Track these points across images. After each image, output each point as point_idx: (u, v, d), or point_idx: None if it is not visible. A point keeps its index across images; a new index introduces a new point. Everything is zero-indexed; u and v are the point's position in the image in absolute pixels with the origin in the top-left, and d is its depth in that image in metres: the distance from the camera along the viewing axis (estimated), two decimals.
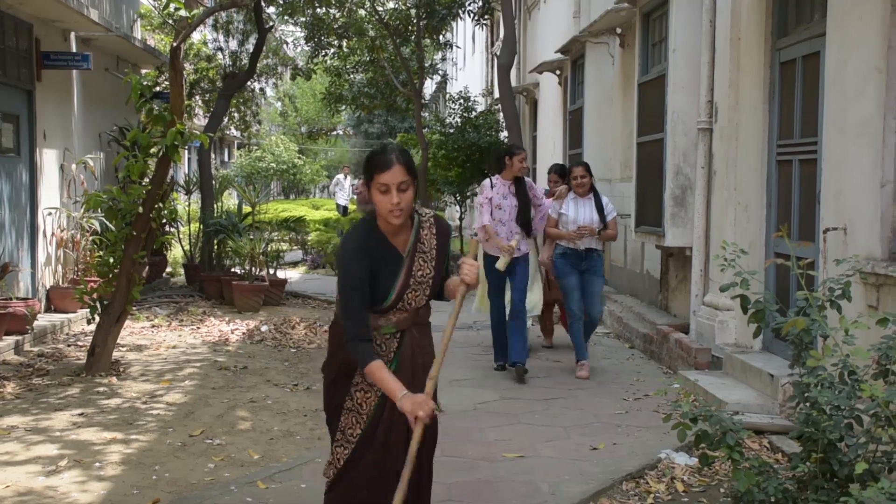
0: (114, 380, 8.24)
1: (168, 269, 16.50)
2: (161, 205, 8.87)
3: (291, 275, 17.34)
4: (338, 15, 19.31)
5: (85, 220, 11.78)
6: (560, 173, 9.76)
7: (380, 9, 19.45)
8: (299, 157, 41.36)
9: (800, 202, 7.25)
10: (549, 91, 17.37)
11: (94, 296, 8.72)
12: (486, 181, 8.61)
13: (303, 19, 19.43)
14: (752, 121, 7.88)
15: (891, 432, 3.58)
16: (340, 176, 29.73)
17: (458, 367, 8.93)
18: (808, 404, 3.92)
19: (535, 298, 9.37)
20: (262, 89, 22.39)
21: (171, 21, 14.19)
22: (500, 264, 7.34)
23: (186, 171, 23.20)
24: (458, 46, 28.17)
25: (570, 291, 8.58)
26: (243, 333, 10.77)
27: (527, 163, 9.49)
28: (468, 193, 18.45)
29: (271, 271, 13.66)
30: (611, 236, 8.79)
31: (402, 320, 3.75)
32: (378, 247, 3.66)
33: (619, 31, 12.41)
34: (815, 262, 6.41)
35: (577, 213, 8.53)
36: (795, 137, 7.33)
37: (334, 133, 48.63)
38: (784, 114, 7.56)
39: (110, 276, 8.68)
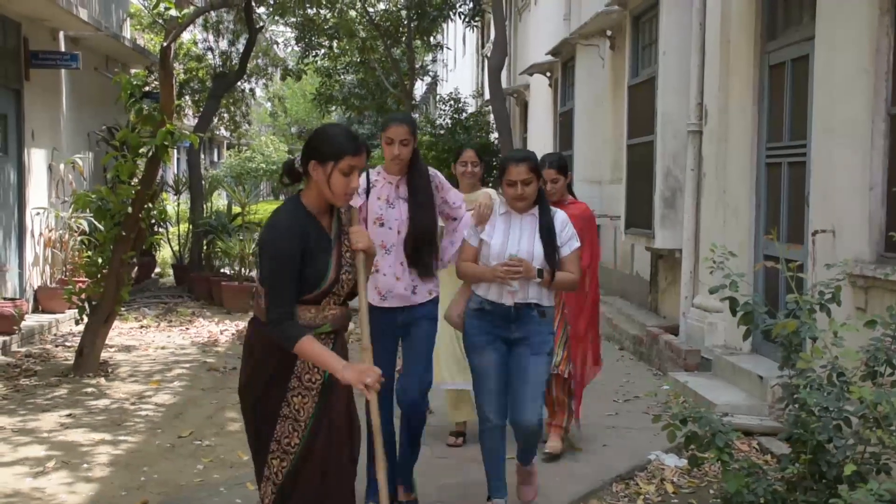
0: (102, 381, 8.20)
1: (157, 270, 16.47)
2: (150, 205, 8.85)
3: None
4: (328, 16, 19.28)
5: (73, 220, 11.73)
6: (560, 167, 5.96)
7: (371, 10, 19.42)
8: (289, 158, 41.30)
9: (789, 204, 7.27)
10: (540, 93, 17.39)
11: (83, 296, 8.69)
12: (360, 175, 4.53)
13: (293, 20, 19.40)
14: (741, 123, 7.90)
15: (879, 434, 3.59)
16: None
17: None
18: (797, 406, 3.94)
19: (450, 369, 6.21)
20: (252, 90, 22.33)
21: (161, 21, 14.14)
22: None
23: (176, 172, 23.14)
24: (448, 48, 28.18)
25: (483, 378, 4.84)
26: (232, 334, 10.73)
27: (477, 168, 6.18)
28: None
29: None
30: (565, 283, 4.84)
31: (336, 317, 3.65)
32: (309, 225, 3.58)
33: (609, 33, 12.43)
34: (804, 264, 6.43)
35: (506, 239, 4.81)
36: (784, 140, 7.35)
37: None
38: (773, 116, 7.59)
39: (99, 276, 8.65)
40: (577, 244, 4.86)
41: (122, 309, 9.73)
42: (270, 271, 3.50)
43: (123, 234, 8.51)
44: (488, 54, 15.89)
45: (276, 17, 19.22)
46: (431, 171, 4.99)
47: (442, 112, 19.01)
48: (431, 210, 4.88)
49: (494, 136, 17.08)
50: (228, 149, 42.53)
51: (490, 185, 7.95)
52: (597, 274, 6.31)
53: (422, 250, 4.82)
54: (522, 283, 4.71)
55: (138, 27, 18.59)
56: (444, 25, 22.44)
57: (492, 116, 16.35)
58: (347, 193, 3.58)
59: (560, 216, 4.88)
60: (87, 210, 9.51)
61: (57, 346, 9.92)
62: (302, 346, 3.44)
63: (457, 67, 32.26)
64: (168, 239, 15.84)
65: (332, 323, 3.64)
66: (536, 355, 4.75)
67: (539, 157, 5.16)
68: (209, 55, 18.73)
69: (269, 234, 3.56)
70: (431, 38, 21.24)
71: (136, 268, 8.65)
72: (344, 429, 3.65)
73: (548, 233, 4.77)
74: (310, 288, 3.55)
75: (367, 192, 4.87)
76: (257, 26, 16.52)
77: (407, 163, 4.85)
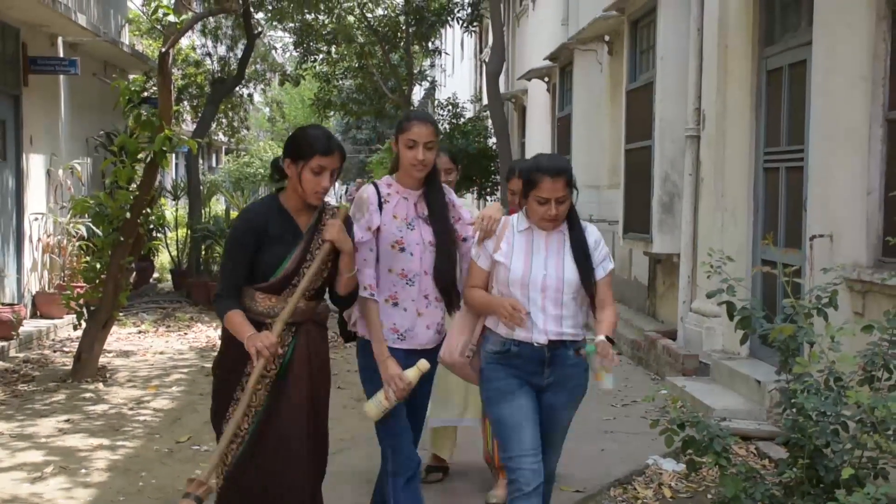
0: (100, 386, 8.20)
1: (155, 275, 16.45)
2: (149, 210, 8.86)
3: None
4: (327, 21, 19.32)
5: (71, 225, 11.73)
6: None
7: (369, 15, 19.46)
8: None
9: (786, 209, 7.28)
10: (538, 98, 17.40)
11: (81, 301, 8.69)
12: (368, 188, 4.17)
13: (291, 25, 19.44)
14: (739, 128, 7.91)
15: (876, 438, 3.59)
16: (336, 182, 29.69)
17: None
18: (794, 410, 3.94)
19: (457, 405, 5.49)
20: (250, 95, 22.34)
21: (159, 26, 14.17)
22: (407, 377, 3.92)
23: (174, 177, 23.15)
24: (446, 53, 28.21)
25: (517, 431, 3.88)
26: None
27: (452, 175, 5.35)
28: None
29: None
30: (606, 323, 3.91)
31: (298, 310, 3.71)
32: (278, 219, 3.73)
33: (607, 38, 12.45)
34: (802, 269, 6.43)
35: (529, 260, 3.91)
36: (782, 145, 7.36)
37: None
38: (771, 121, 7.60)
39: (97, 281, 8.64)
40: (612, 265, 4.01)
41: (121, 314, 9.73)
42: (225, 252, 3.81)
43: (122, 239, 8.51)
44: (486, 59, 15.92)
45: (275, 23, 19.26)
46: (444, 185, 4.31)
47: (440, 117, 19.04)
48: (452, 230, 4.16)
49: (492, 141, 17.09)
50: (227, 154, 42.50)
51: (487, 192, 7.82)
52: None
53: (449, 277, 4.10)
54: (555, 311, 3.84)
55: (137, 33, 18.61)
56: (443, 31, 22.48)
57: (490, 121, 16.37)
58: (317, 192, 3.70)
59: (592, 231, 4.00)
60: (86, 215, 9.52)
61: (55, 351, 9.91)
62: (228, 317, 3.65)
63: (455, 72, 32.32)
64: (166, 244, 15.83)
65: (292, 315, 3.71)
66: (571, 402, 4.01)
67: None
68: (207, 60, 18.76)
69: (234, 221, 3.86)
70: (429, 44, 21.29)
71: (135, 273, 8.66)
72: (299, 424, 3.70)
73: (582, 252, 3.89)
74: (264, 276, 3.70)
75: (380, 207, 4.02)
76: (256, 32, 16.54)
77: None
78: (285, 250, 3.70)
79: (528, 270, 3.86)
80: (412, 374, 3.88)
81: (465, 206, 4.46)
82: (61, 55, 12.29)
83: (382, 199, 4.04)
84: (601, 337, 3.79)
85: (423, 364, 3.92)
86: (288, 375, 3.69)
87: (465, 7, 19.30)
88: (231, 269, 3.73)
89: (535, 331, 3.82)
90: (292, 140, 3.77)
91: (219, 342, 4.02)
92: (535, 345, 3.83)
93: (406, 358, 3.96)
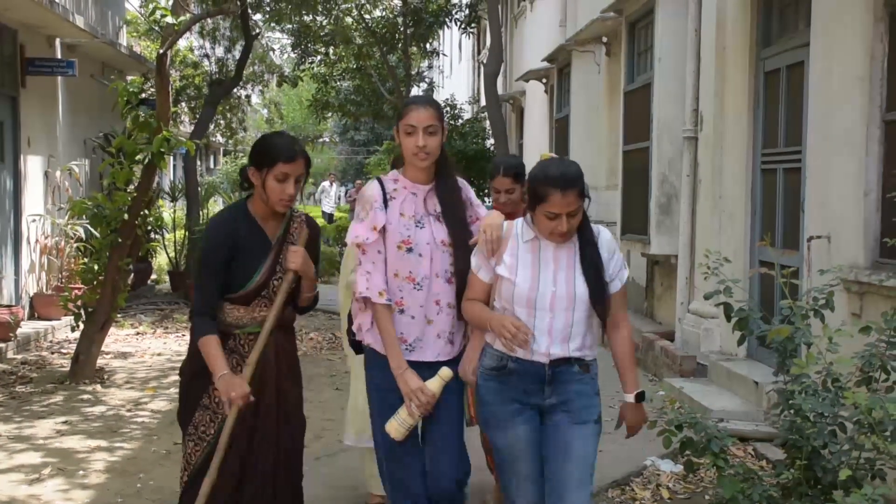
0: (98, 387, 8.20)
1: (153, 277, 16.44)
2: (146, 212, 8.86)
3: None
4: (325, 22, 19.31)
5: (69, 227, 11.72)
6: (517, 174, 4.71)
7: (367, 17, 19.46)
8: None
9: (784, 210, 7.29)
10: (536, 99, 17.41)
11: (79, 303, 8.68)
12: (372, 184, 3.82)
13: (289, 26, 19.44)
14: (737, 129, 7.92)
15: (874, 439, 3.59)
16: (326, 183, 29.72)
17: None
18: (792, 411, 3.94)
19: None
20: (248, 96, 22.36)
21: (157, 28, 14.17)
22: (430, 388, 3.64)
23: (172, 178, 23.15)
24: (444, 54, 28.21)
25: (512, 462, 3.62)
26: None
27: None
28: None
29: None
30: (622, 343, 3.70)
31: (265, 319, 3.70)
32: (247, 229, 3.70)
33: (605, 39, 12.45)
34: (800, 270, 6.44)
35: (536, 275, 3.51)
36: (780, 146, 7.37)
37: (321, 140, 48.59)
38: (769, 123, 7.61)
39: (95, 283, 8.64)
40: (627, 272, 3.65)
41: (118, 315, 9.73)
42: (199, 267, 3.73)
43: (119, 240, 8.51)
44: (484, 61, 15.92)
45: (273, 24, 19.25)
46: (461, 179, 3.92)
47: None
48: (468, 228, 3.76)
49: (490, 142, 17.09)
50: (224, 155, 42.46)
51: (486, 193, 7.77)
52: None
53: (464, 280, 3.69)
54: (563, 331, 3.49)
55: (135, 34, 18.62)
56: (440, 32, 22.49)
57: (488, 123, 16.37)
58: (283, 200, 3.64)
59: (605, 239, 3.57)
60: (84, 217, 9.50)
61: (53, 352, 9.91)
62: (202, 342, 3.62)
63: (453, 74, 32.33)
64: (164, 245, 15.82)
65: (259, 324, 3.71)
66: (581, 424, 3.53)
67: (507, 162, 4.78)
68: (205, 62, 18.78)
69: (205, 231, 3.80)
70: (427, 45, 21.27)
71: (132, 274, 8.65)
72: (269, 434, 3.70)
73: (594, 267, 3.48)
74: (236, 287, 3.67)
75: (385, 204, 3.69)
76: (253, 33, 16.54)
77: (434, 164, 3.72)
78: (255, 262, 3.68)
79: (536, 286, 3.45)
80: (435, 384, 3.60)
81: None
82: (59, 56, 12.28)
83: (388, 196, 3.69)
84: (629, 398, 3.60)
85: (446, 372, 3.61)
86: (255, 382, 3.66)
87: (463, 8, 19.31)
88: (206, 284, 3.68)
89: (535, 354, 3.47)
90: (256, 148, 3.74)
91: None
92: (537, 362, 3.48)
93: (415, 371, 3.64)
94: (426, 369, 3.64)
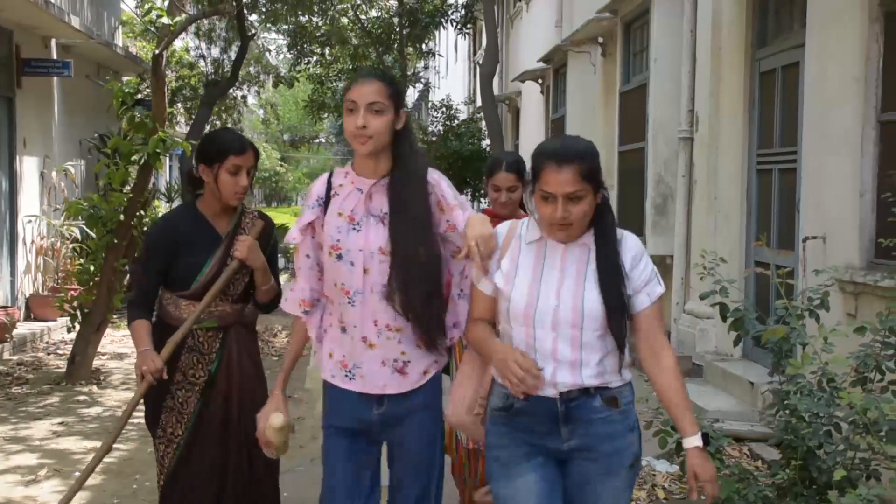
0: (94, 388, 8.19)
1: None
2: (143, 212, 8.84)
3: None
4: (320, 23, 19.33)
5: (65, 227, 11.71)
6: (521, 171, 4.30)
7: (363, 17, 19.47)
8: (281, 165, 41.30)
9: (779, 211, 7.30)
10: (532, 100, 17.41)
11: (75, 304, 8.67)
12: (321, 177, 3.26)
13: (285, 27, 19.44)
14: (732, 130, 7.93)
15: (869, 440, 3.60)
16: None
17: None
18: (787, 412, 3.95)
19: None
20: (244, 97, 22.36)
21: (153, 28, 14.14)
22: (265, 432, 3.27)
23: (168, 179, 23.12)
24: (440, 55, 28.22)
25: None
26: None
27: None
28: None
29: None
30: (667, 377, 2.96)
31: (224, 314, 3.73)
32: (192, 226, 3.73)
33: (600, 40, 12.46)
34: (795, 270, 6.45)
35: (536, 284, 2.86)
36: (775, 147, 7.38)
37: (316, 141, 48.64)
38: (764, 123, 7.62)
39: (91, 284, 8.63)
40: (661, 288, 2.90)
41: (114, 316, 9.72)
42: (138, 260, 3.78)
43: (116, 241, 8.50)
44: (480, 61, 15.93)
45: (269, 25, 19.26)
46: (434, 175, 3.14)
47: (434, 119, 19.04)
48: (427, 234, 3.03)
49: (486, 143, 17.11)
50: None
51: (482, 194, 7.65)
52: None
53: (415, 299, 2.99)
54: (571, 356, 2.81)
55: (130, 35, 18.58)
56: (436, 32, 22.50)
57: (484, 123, 16.38)
58: (236, 192, 3.66)
59: (631, 243, 2.88)
60: (79, 218, 9.49)
61: (49, 353, 9.90)
62: (132, 326, 3.66)
63: (449, 74, 32.32)
64: None
65: (218, 319, 3.72)
66: (611, 475, 2.86)
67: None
68: (201, 62, 18.76)
69: (149, 229, 3.92)
70: (423, 46, 21.29)
71: (129, 275, 8.64)
72: (240, 433, 3.72)
73: (611, 275, 2.79)
74: (184, 283, 3.69)
75: (326, 203, 3.10)
76: (249, 34, 16.54)
77: (387, 151, 3.06)
78: (203, 257, 3.70)
79: (535, 299, 2.79)
80: (271, 433, 3.20)
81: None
82: (54, 57, 12.28)
83: (333, 192, 3.11)
84: (694, 442, 2.80)
85: (277, 420, 3.17)
86: (217, 379, 3.70)
87: (459, 9, 19.31)
88: (142, 276, 3.76)
89: (549, 382, 2.81)
90: (204, 145, 3.77)
91: None
92: (547, 397, 2.81)
93: (360, 403, 3.08)
94: (375, 404, 3.08)
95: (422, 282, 2.98)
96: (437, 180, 3.11)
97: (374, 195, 3.05)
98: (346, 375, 3.09)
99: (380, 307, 3.02)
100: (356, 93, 2.98)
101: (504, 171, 4.28)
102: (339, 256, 3.03)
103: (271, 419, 3.17)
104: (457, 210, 3.08)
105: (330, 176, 3.17)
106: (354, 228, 3.03)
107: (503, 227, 2.99)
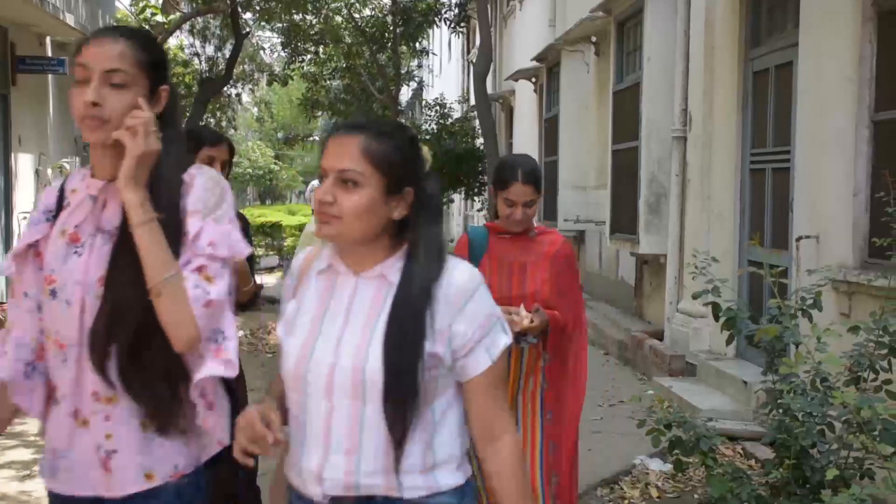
0: None
1: None
2: None
3: (267, 280, 17.28)
4: (314, 21, 19.32)
5: None
6: (538, 180, 3.66)
7: (356, 16, 19.47)
8: (275, 163, 41.24)
9: (773, 210, 7.32)
10: (525, 98, 17.42)
11: None
12: (50, 187, 2.27)
13: (279, 25, 19.44)
14: (725, 129, 7.95)
15: (862, 439, 3.61)
16: (316, 182, 29.71)
17: None
18: (780, 411, 3.96)
19: None
20: (238, 95, 22.34)
21: (147, 26, 14.14)
22: None
23: None
24: (434, 53, 28.22)
25: None
26: None
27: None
28: (444, 201, 18.47)
29: None
30: (503, 466, 1.98)
31: None
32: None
33: (594, 39, 12.48)
34: (788, 269, 6.47)
35: (316, 330, 1.99)
36: (768, 146, 7.40)
37: (311, 139, 48.60)
38: (757, 123, 7.64)
39: None
40: (507, 339, 1.98)
41: None
42: None
43: None
44: (474, 60, 15.94)
45: (263, 23, 19.26)
46: (193, 170, 2.14)
47: (427, 117, 19.04)
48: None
49: (480, 141, 17.12)
50: None
51: (475, 192, 7.65)
52: (585, 344, 4.08)
53: (130, 354, 2.01)
54: (348, 440, 1.93)
55: None
56: (430, 31, 22.50)
57: (477, 122, 16.39)
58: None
59: (459, 279, 1.95)
60: None
61: None
62: None
63: (442, 73, 32.30)
64: None
65: None
66: None
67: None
68: (195, 60, 18.76)
69: None
70: (417, 44, 21.30)
71: None
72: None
73: (401, 322, 1.90)
74: None
75: (55, 216, 2.17)
76: (244, 32, 16.52)
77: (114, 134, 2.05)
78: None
79: (308, 353, 1.96)
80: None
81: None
82: (49, 55, 12.27)
83: (66, 200, 2.18)
84: None
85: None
86: None
87: (453, 8, 19.33)
88: None
89: (306, 479, 1.97)
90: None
91: None
92: (313, 500, 1.96)
93: None
94: None
95: (137, 325, 1.99)
96: (194, 176, 2.11)
97: (109, 203, 2.10)
98: (50, 469, 2.22)
99: (91, 362, 2.04)
100: (89, 55, 2.04)
101: (521, 182, 3.57)
102: (53, 293, 2.08)
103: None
104: (195, 217, 2.06)
105: (65, 181, 2.23)
106: (76, 252, 2.07)
107: (302, 254, 2.18)
